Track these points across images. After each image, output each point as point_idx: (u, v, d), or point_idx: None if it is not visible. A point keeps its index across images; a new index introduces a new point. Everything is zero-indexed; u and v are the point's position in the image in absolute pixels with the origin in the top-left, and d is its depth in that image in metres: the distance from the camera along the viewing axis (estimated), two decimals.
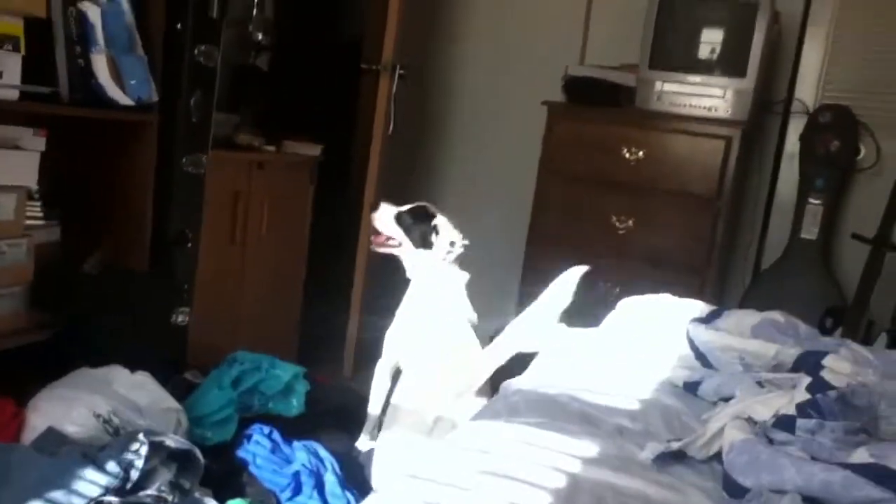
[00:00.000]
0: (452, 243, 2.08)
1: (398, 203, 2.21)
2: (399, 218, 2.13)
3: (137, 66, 2.21)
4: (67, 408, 1.87)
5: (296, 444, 2.10)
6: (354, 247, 3.15)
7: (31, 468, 1.65)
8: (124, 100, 2.18)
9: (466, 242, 2.13)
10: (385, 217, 2.14)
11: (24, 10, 1.95)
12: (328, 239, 3.20)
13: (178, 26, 2.28)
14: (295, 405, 2.33)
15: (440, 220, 2.12)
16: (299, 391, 2.36)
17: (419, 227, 2.11)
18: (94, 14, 2.09)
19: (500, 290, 3.36)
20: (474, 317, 2.13)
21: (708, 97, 3.01)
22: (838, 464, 1.09)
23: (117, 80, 2.16)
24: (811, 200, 3.21)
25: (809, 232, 3.22)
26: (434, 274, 2.10)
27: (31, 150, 2.09)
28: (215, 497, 1.81)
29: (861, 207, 3.21)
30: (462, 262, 2.18)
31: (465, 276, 2.14)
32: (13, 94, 1.96)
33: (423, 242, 2.10)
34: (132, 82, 2.18)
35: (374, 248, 2.22)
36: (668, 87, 3.06)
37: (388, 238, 2.15)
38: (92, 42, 2.10)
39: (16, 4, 1.93)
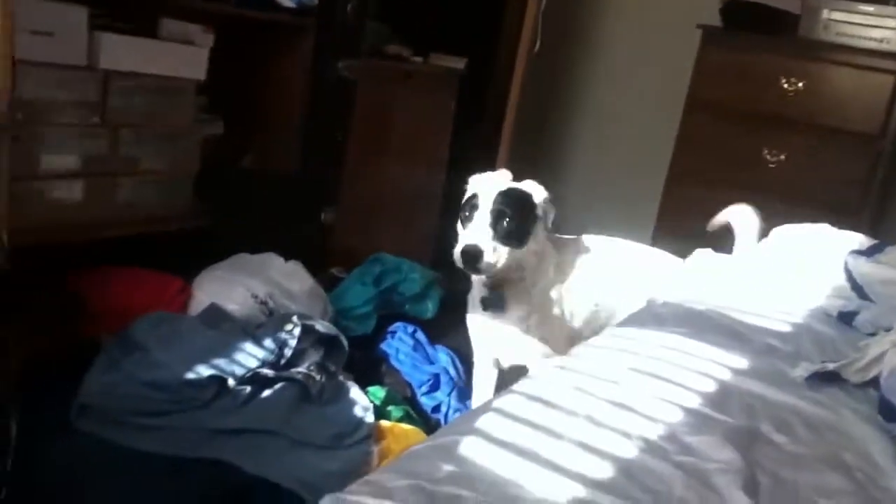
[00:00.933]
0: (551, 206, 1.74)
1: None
2: (496, 218, 1.61)
3: None
4: (228, 288, 2.02)
5: (438, 347, 2.19)
6: (493, 160, 3.16)
7: (199, 336, 1.80)
8: (286, 2, 2.26)
9: None
10: (480, 235, 1.59)
11: None
12: (468, 150, 3.22)
13: None
14: (430, 308, 2.42)
15: (529, 190, 1.71)
16: (434, 296, 2.46)
17: (522, 219, 1.65)
18: None
19: (633, 224, 3.31)
20: None
21: (880, 28, 2.80)
22: None
23: None
24: None
25: None
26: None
27: (200, 46, 2.20)
28: (357, 382, 1.92)
29: None
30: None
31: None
32: None
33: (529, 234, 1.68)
34: None
35: None
36: (837, 15, 2.86)
37: None
38: None
39: None
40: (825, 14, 2.87)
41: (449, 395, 2.08)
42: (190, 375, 1.68)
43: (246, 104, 2.53)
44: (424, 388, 2.08)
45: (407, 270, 2.44)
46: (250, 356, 1.79)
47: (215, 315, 1.94)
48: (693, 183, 3.10)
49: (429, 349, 2.20)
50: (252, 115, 2.53)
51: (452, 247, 1.58)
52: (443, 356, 2.18)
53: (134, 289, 1.98)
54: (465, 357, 2.22)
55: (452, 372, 2.14)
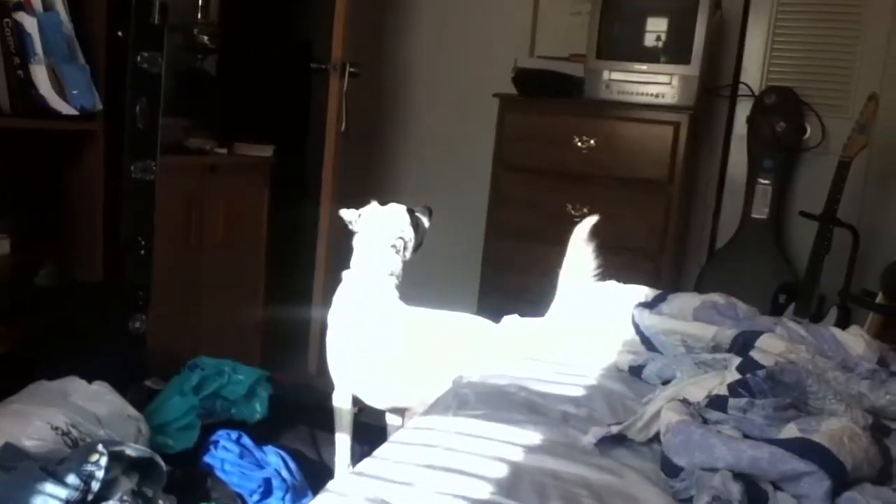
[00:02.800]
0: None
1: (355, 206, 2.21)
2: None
3: (79, 75, 2.20)
4: (24, 422, 1.86)
5: (267, 448, 2.12)
6: (314, 244, 3.16)
7: None
8: (67, 109, 2.17)
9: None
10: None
11: None
12: (287, 239, 3.21)
13: (120, 34, 2.27)
14: (258, 410, 2.34)
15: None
16: (262, 395, 2.37)
17: None
18: (30, 24, 2.08)
19: (460, 283, 3.40)
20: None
21: (655, 84, 3.07)
22: (766, 440, 1.13)
23: (59, 90, 2.14)
24: (760, 181, 3.29)
25: (760, 211, 3.30)
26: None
27: None
28: (180, 503, 1.82)
29: (809, 186, 3.30)
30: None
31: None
32: None
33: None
34: (74, 92, 2.17)
35: None
36: (616, 75, 3.11)
37: None
38: (30, 52, 2.08)
39: None
40: (606, 75, 3.12)
41: (283, 499, 2.01)
42: None
43: (38, 216, 2.39)
44: (256, 497, 2.00)
45: (230, 372, 2.35)
46: (51, 498, 1.64)
47: (10, 456, 1.77)
48: (509, 239, 3.24)
49: (257, 453, 2.11)
50: (46, 226, 2.39)
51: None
52: (273, 458, 2.11)
53: None
54: (297, 454, 2.18)
55: (285, 473, 2.08)
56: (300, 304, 3.18)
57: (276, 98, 3.32)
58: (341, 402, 2.12)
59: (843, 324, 2.50)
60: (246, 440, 2.11)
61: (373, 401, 2.10)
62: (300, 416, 2.37)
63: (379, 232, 2.10)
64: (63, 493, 1.65)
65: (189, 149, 2.72)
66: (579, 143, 3.09)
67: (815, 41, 3.29)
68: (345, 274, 2.12)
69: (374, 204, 2.16)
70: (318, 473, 2.11)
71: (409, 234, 2.12)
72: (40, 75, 2.12)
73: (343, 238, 3.28)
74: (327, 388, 2.30)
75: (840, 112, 3.25)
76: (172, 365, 2.34)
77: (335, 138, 3.11)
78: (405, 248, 2.10)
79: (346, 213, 2.16)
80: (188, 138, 2.74)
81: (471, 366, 1.64)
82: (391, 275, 2.08)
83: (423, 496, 1.06)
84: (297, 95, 3.43)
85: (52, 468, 1.73)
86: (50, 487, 1.66)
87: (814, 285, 2.96)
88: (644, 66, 3.09)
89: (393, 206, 2.17)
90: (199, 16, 3.00)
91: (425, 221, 2.21)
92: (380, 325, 2.04)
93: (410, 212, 2.15)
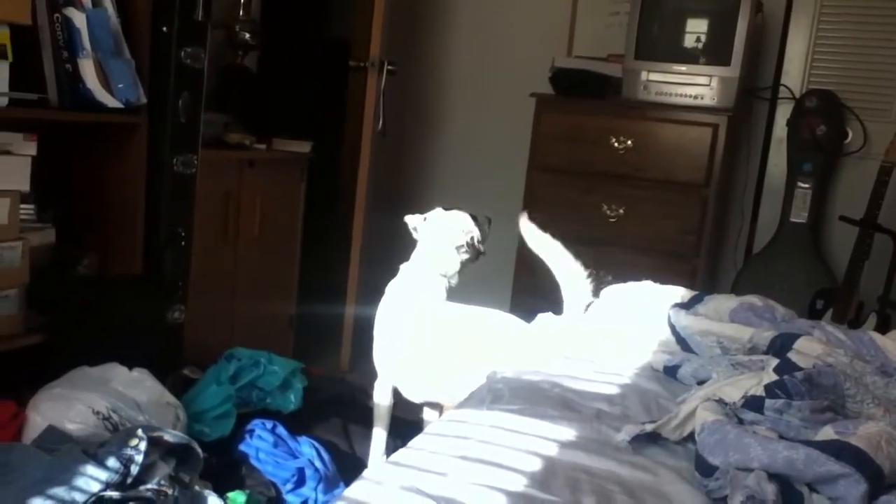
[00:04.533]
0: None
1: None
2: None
3: (124, 69, 2.24)
4: (66, 406, 1.91)
5: (301, 439, 2.14)
6: (348, 240, 3.19)
7: (32, 466, 1.69)
8: (112, 103, 2.21)
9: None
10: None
11: (10, 18, 1.98)
12: (321, 234, 3.24)
13: (164, 29, 2.31)
14: (293, 401, 2.36)
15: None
16: (297, 387, 2.40)
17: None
18: (79, 20, 2.13)
19: (493, 283, 3.40)
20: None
21: (694, 86, 3.04)
22: (802, 441, 1.12)
23: (105, 84, 2.19)
24: (800, 184, 3.24)
25: (799, 216, 3.25)
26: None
27: (22, 155, 2.12)
28: (215, 490, 1.85)
29: (849, 190, 3.25)
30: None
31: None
32: (2, 101, 2.00)
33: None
34: (120, 85, 2.22)
35: None
36: (654, 76, 3.09)
37: None
38: (78, 47, 2.13)
39: (2, 12, 1.97)
40: (644, 76, 3.10)
41: (315, 488, 2.04)
42: None
43: (80, 208, 2.44)
44: (289, 486, 2.03)
45: (265, 363, 2.38)
46: (92, 479, 1.68)
47: (53, 438, 1.82)
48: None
49: (291, 443, 2.14)
50: (87, 217, 2.45)
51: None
52: (306, 448, 2.13)
53: None
54: (330, 445, 2.20)
55: (318, 463, 2.10)
56: (333, 299, 3.21)
57: (313, 95, 3.35)
58: (381, 397, 2.14)
59: (882, 330, 2.45)
60: (281, 430, 2.14)
61: (411, 394, 2.12)
62: (333, 408, 2.39)
63: (444, 233, 2.16)
64: (103, 475, 1.69)
65: (228, 143, 2.76)
66: (616, 144, 3.08)
67: (858, 44, 3.24)
68: (402, 266, 2.17)
69: (439, 209, 2.21)
70: (350, 465, 2.14)
71: (478, 234, 2.17)
72: (88, 69, 2.18)
73: (377, 235, 3.32)
74: (360, 381, 2.33)
75: (882, 116, 3.20)
76: (209, 355, 2.38)
77: (371, 136, 3.13)
78: (473, 247, 2.15)
79: (411, 219, 2.20)
80: (227, 133, 2.79)
81: (509, 363, 1.65)
82: (444, 275, 2.13)
83: (457, 487, 1.07)
84: (334, 93, 3.47)
85: (93, 451, 1.77)
86: (91, 469, 1.70)
87: (853, 291, 2.92)
88: (683, 67, 3.06)
89: (457, 212, 2.21)
90: (241, 13, 3.05)
91: (486, 229, 2.24)
92: (424, 319, 2.07)
93: (474, 218, 2.20)
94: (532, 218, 2.19)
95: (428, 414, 2.23)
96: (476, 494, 1.06)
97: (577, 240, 3.06)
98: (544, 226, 2.17)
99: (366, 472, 1.15)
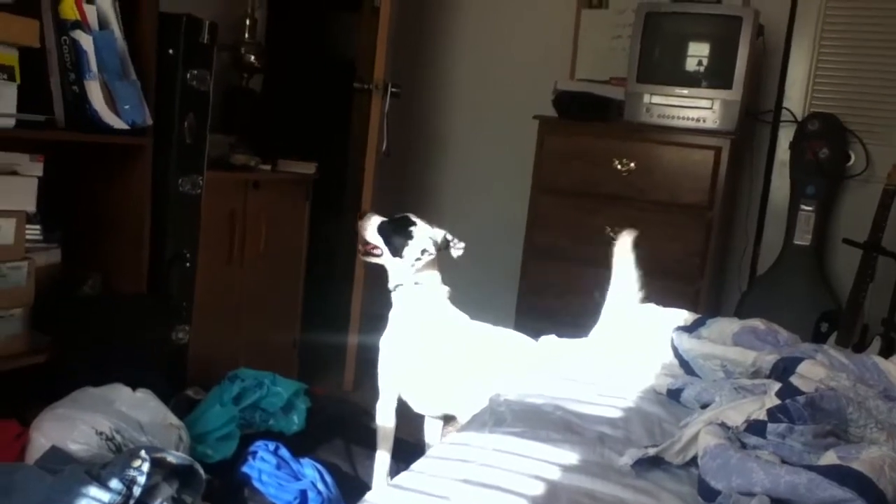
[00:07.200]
0: (424, 251, 2.09)
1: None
2: (381, 227, 2.17)
3: (131, 91, 2.26)
4: (70, 427, 1.91)
5: (304, 461, 2.14)
6: (352, 262, 3.20)
7: (35, 487, 1.68)
8: (119, 124, 2.23)
9: (450, 241, 2.15)
10: (370, 226, 2.18)
11: (18, 41, 2.01)
12: (325, 256, 3.25)
13: (170, 51, 2.34)
14: (296, 422, 2.36)
15: (417, 228, 2.13)
16: (300, 408, 2.40)
17: (398, 237, 2.14)
18: (86, 42, 2.15)
19: (497, 303, 3.41)
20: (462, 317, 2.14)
21: (696, 109, 3.06)
22: (805, 466, 1.12)
23: (111, 106, 2.21)
24: (803, 207, 3.25)
25: (802, 238, 3.26)
26: (408, 286, 2.13)
27: (28, 176, 2.14)
28: None
29: (853, 213, 3.26)
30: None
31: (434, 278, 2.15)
32: (9, 123, 2.02)
33: (399, 251, 2.13)
34: (126, 107, 2.23)
35: (360, 257, 2.25)
36: (657, 99, 3.11)
37: (373, 247, 2.18)
38: (85, 69, 2.15)
39: (10, 35, 1.99)
40: (646, 99, 3.12)
41: None
42: None
43: (85, 228, 2.46)
44: None
45: (269, 384, 2.38)
46: (94, 500, 1.68)
47: (56, 459, 1.82)
48: (548, 261, 3.25)
49: (294, 465, 2.14)
50: (93, 238, 2.46)
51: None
52: (309, 471, 2.12)
53: None
54: (333, 467, 2.20)
55: (321, 486, 2.09)
56: (337, 320, 3.22)
57: (318, 117, 3.38)
58: (386, 419, 2.13)
59: (886, 353, 2.45)
60: (283, 452, 2.13)
61: (425, 407, 2.12)
62: (337, 430, 2.39)
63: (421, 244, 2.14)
64: (106, 496, 1.69)
65: (234, 165, 2.78)
66: (619, 166, 3.09)
67: (860, 68, 3.27)
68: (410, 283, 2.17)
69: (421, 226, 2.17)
70: (352, 488, 2.13)
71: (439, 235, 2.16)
72: (94, 91, 2.19)
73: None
74: (364, 402, 2.33)
75: (885, 139, 3.22)
76: (213, 375, 2.38)
77: (375, 157, 3.15)
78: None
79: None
80: (233, 154, 2.80)
81: (517, 380, 1.65)
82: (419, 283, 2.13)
83: None
84: (338, 115, 3.49)
85: (96, 472, 1.77)
86: (94, 491, 1.70)
87: (857, 314, 2.92)
88: (685, 91, 3.09)
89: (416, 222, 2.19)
90: (247, 36, 3.09)
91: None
92: (438, 332, 2.08)
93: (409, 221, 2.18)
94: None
95: (429, 436, 2.23)
96: None
97: (581, 261, 3.11)
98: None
99: (368, 495, 1.15)
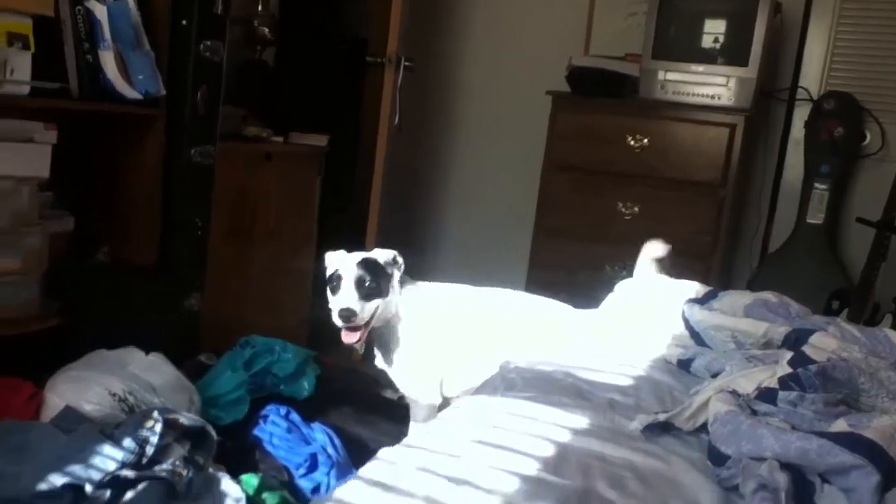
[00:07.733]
0: (396, 265, 1.98)
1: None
2: (361, 297, 1.90)
3: (144, 61, 2.26)
4: (84, 387, 1.94)
5: (314, 425, 2.16)
6: (363, 236, 3.20)
7: (50, 444, 1.71)
8: (132, 94, 2.23)
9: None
10: (358, 311, 1.90)
11: (33, 10, 2.02)
12: (336, 228, 3.25)
13: (184, 23, 2.33)
14: (306, 387, 2.39)
15: (377, 256, 1.97)
16: (310, 374, 2.42)
17: (378, 282, 1.93)
18: (100, 12, 2.15)
19: (507, 281, 3.41)
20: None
21: (711, 86, 3.04)
22: (816, 433, 1.12)
23: (125, 76, 2.21)
24: (817, 185, 3.24)
25: (815, 217, 3.25)
26: (404, 297, 2.01)
27: (42, 143, 2.15)
28: (229, 472, 1.86)
29: (866, 192, 3.24)
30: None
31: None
32: (24, 90, 2.03)
33: (387, 289, 1.95)
34: (139, 77, 2.24)
35: (363, 340, 1.98)
36: (672, 76, 3.09)
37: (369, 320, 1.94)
38: (99, 39, 2.16)
39: (25, 4, 2.00)
40: (661, 75, 3.10)
41: (328, 474, 2.04)
42: (42, 486, 1.59)
43: (98, 197, 2.47)
44: (302, 471, 2.04)
45: (280, 350, 2.40)
46: (108, 458, 1.71)
47: (70, 418, 1.85)
48: (558, 238, 3.24)
49: (304, 429, 2.16)
50: (106, 207, 2.47)
51: (328, 317, 1.94)
52: (319, 435, 2.15)
53: None
54: (343, 432, 2.21)
55: (330, 450, 2.12)
56: None
57: (330, 90, 3.36)
58: (434, 396, 2.05)
59: None
60: (294, 416, 2.16)
61: (461, 388, 2.02)
62: (346, 397, 2.41)
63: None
64: (119, 455, 1.72)
65: (246, 136, 2.78)
66: (632, 143, 3.08)
67: (877, 46, 3.23)
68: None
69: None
70: (361, 452, 2.14)
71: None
72: (108, 61, 2.20)
73: (391, 232, 3.33)
74: (372, 372, 2.34)
75: None
76: (225, 342, 2.40)
77: (387, 131, 3.14)
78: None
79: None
80: (245, 126, 2.80)
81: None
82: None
83: (471, 468, 1.08)
84: (351, 88, 3.48)
85: (109, 431, 1.80)
86: (107, 449, 1.72)
87: (868, 292, 2.91)
88: (700, 68, 3.06)
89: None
90: (260, 8, 3.08)
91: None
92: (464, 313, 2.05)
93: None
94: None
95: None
96: (490, 477, 1.06)
97: (592, 238, 3.11)
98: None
99: (381, 452, 1.16)
